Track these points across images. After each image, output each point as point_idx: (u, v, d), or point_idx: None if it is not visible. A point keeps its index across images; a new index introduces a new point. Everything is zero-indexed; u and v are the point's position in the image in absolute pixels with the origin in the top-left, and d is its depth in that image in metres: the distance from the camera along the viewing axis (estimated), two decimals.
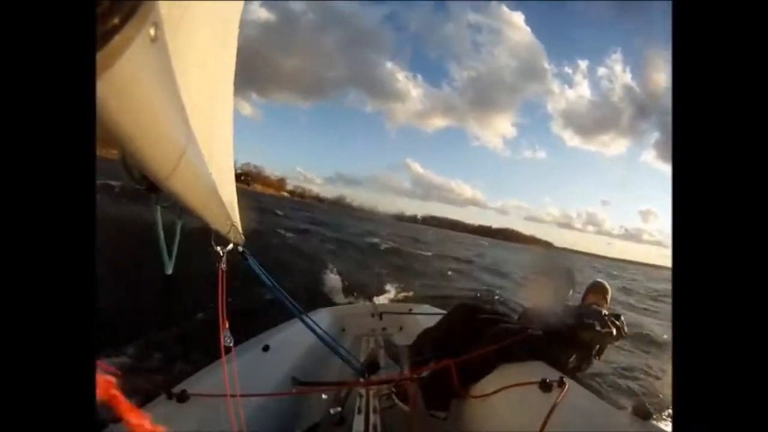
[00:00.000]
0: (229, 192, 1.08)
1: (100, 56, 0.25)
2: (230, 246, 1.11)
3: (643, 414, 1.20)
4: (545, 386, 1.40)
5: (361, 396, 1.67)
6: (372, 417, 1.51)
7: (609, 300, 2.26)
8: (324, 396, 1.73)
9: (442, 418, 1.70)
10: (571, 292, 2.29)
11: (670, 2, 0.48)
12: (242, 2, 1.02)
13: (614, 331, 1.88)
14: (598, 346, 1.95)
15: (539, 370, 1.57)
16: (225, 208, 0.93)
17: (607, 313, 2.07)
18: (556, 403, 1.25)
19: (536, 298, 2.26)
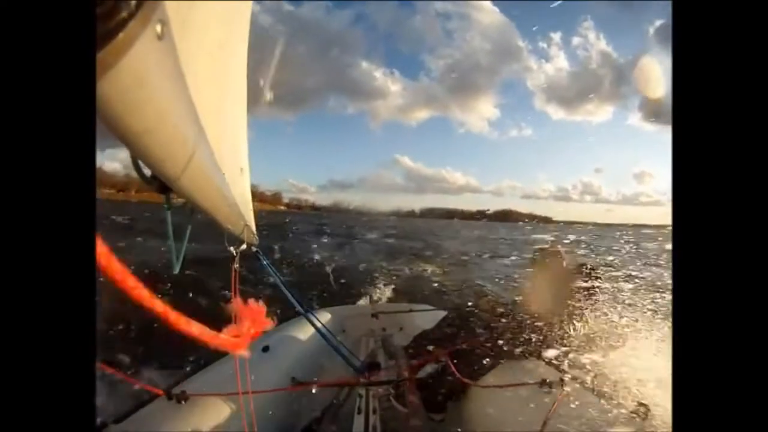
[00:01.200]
0: (242, 192, 1.07)
1: (105, 54, 0.24)
2: (243, 246, 1.10)
3: (643, 414, 1.20)
4: (545, 386, 1.40)
5: (360, 396, 1.67)
6: (372, 417, 1.51)
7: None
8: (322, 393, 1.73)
9: (438, 420, 1.70)
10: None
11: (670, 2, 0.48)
12: (250, 1, 1.01)
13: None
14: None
15: (539, 370, 1.57)
16: (237, 207, 0.92)
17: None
18: (556, 403, 1.25)
19: (529, 291, 2.29)
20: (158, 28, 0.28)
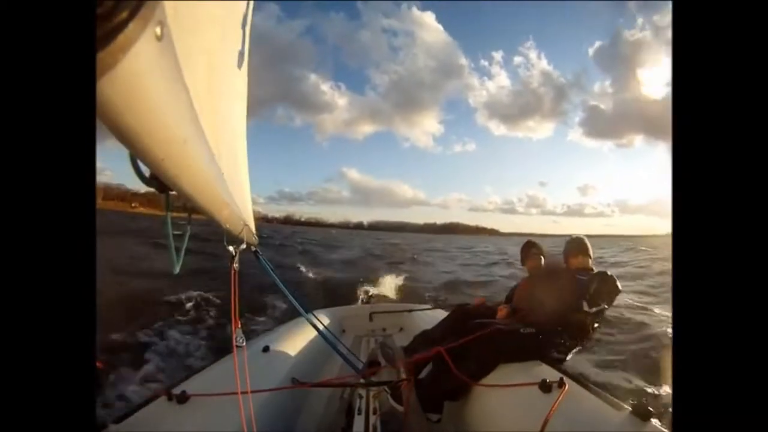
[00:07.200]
0: (240, 191, 1.07)
1: (104, 55, 0.24)
2: (243, 245, 1.10)
3: (643, 414, 1.20)
4: (545, 386, 1.40)
5: (360, 397, 1.67)
6: (372, 417, 1.51)
7: (591, 253, 2.15)
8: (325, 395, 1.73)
9: (434, 420, 1.70)
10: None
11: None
12: (251, 2, 1.01)
13: (605, 305, 1.85)
14: (594, 324, 1.92)
15: (539, 370, 1.57)
16: (236, 206, 0.92)
17: (594, 271, 2.03)
18: (556, 404, 1.25)
19: (527, 296, 2.26)
20: (158, 29, 0.28)
